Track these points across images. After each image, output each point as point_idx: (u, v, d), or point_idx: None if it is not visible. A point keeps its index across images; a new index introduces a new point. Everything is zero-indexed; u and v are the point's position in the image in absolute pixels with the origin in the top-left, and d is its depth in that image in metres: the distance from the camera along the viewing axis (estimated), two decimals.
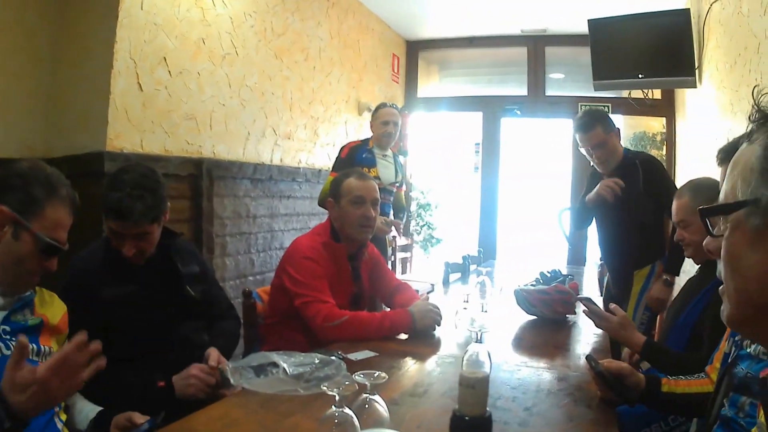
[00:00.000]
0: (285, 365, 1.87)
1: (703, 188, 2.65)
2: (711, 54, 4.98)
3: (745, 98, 3.89)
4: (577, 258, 7.10)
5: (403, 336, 2.69)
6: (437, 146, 9.68)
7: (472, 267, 4.92)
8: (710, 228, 0.98)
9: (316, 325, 2.58)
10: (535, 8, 6.65)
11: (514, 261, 7.88)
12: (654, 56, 5.55)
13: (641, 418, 2.37)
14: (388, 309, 3.12)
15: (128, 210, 2.14)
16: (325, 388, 1.38)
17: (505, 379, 2.19)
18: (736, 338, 1.86)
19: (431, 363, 2.38)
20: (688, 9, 5.39)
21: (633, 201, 3.69)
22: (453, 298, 3.79)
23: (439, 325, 2.78)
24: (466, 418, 1.53)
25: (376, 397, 1.52)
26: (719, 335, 2.14)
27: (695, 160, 5.76)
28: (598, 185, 3.80)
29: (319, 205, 4.70)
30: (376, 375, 1.50)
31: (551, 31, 7.21)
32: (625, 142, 7.16)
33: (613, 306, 2.62)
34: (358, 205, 2.85)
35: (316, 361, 1.93)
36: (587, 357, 2.03)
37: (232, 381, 1.93)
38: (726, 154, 1.81)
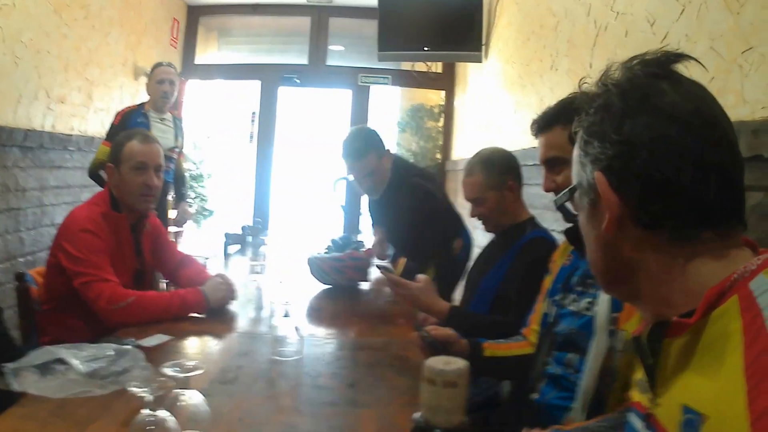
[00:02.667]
0: (76, 361, 1.51)
1: (495, 162, 2.64)
2: (502, 30, 5.18)
3: (536, 72, 4.09)
4: (353, 226, 7.10)
5: (196, 315, 2.40)
6: (212, 116, 9.25)
7: (250, 239, 4.72)
8: (571, 211, 1.08)
9: (100, 308, 2.22)
10: None
11: (291, 231, 7.75)
12: (442, 30, 5.65)
13: None
14: (173, 286, 2.82)
15: None
16: (134, 389, 1.11)
17: (319, 354, 2.03)
18: (556, 298, 1.86)
19: (232, 342, 2.16)
20: None
21: (401, 226, 3.56)
22: (237, 270, 3.53)
23: (234, 299, 2.53)
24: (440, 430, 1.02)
25: (192, 392, 1.27)
26: (530, 297, 2.14)
27: (473, 131, 5.98)
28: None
29: (90, 176, 4.23)
30: (191, 365, 1.25)
31: (337, 2, 7.10)
32: (403, 113, 7.30)
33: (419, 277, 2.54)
34: (139, 171, 2.50)
35: (110, 353, 1.60)
36: (416, 327, 1.92)
37: (15, 386, 1.51)
38: (539, 127, 1.92)
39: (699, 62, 0.93)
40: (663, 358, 0.88)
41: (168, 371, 1.23)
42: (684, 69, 0.92)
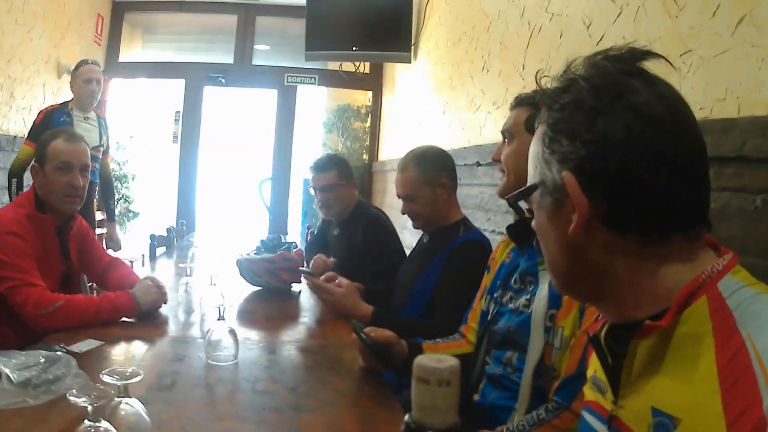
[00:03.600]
0: (6, 370, 1.43)
1: (430, 159, 2.67)
2: (432, 31, 5.19)
3: (467, 74, 4.12)
4: (279, 228, 7.04)
5: (127, 319, 2.32)
6: (136, 115, 8.99)
7: (175, 240, 4.64)
8: (525, 209, 1.08)
9: (27, 313, 2.12)
10: None
11: (217, 232, 7.62)
12: (370, 30, 5.64)
13: (396, 384, 2.30)
14: (102, 290, 2.72)
15: None
16: (74, 398, 1.06)
17: (256, 357, 1.99)
18: (495, 295, 1.87)
19: (166, 347, 2.09)
20: None
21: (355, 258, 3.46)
22: (164, 272, 3.45)
23: (165, 302, 2.46)
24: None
25: (132, 401, 1.23)
26: (464, 299, 2.15)
27: (401, 132, 6.00)
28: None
29: (10, 177, 4.05)
30: (128, 372, 1.20)
31: (265, 0, 6.99)
32: (329, 114, 7.26)
33: (338, 280, 2.54)
34: (63, 171, 2.40)
35: (41, 360, 1.52)
36: (354, 328, 1.90)
37: None
38: (517, 101, 1.89)
39: (667, 60, 0.91)
40: (629, 359, 0.87)
41: (106, 379, 1.18)
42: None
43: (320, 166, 3.59)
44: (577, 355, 1.44)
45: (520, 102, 1.86)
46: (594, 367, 1.00)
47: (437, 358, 0.87)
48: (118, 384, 1.19)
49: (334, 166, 3.59)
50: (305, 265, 3.30)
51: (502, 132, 1.88)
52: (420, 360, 0.86)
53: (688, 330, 0.79)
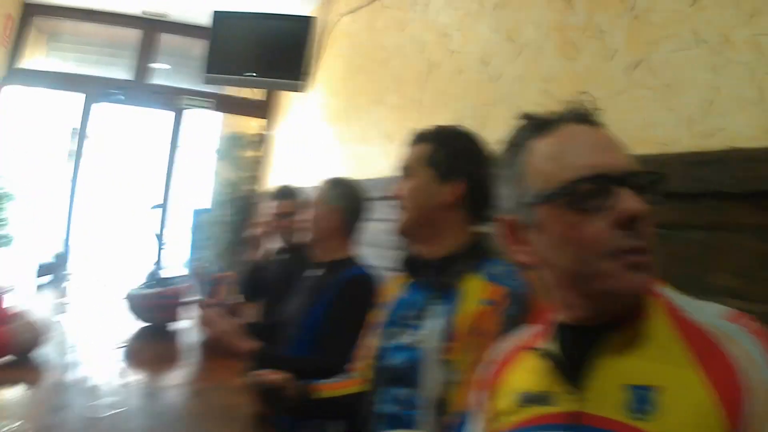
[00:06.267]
0: None
1: (342, 185, 2.70)
2: (329, 62, 5.20)
3: (362, 106, 4.16)
4: (168, 259, 6.81)
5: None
6: (25, 129, 8.42)
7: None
8: None
9: None
10: None
11: (105, 259, 7.34)
12: (270, 58, 5.61)
13: (289, 427, 2.27)
14: None
15: None
16: None
17: (142, 405, 1.91)
18: (386, 331, 1.87)
19: (45, 393, 1.98)
20: (315, 17, 5.55)
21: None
22: (45, 305, 3.27)
23: (45, 342, 2.34)
24: None
25: None
26: (355, 330, 2.14)
27: (292, 162, 5.96)
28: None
29: None
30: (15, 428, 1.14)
31: (172, 17, 6.81)
32: (222, 141, 7.10)
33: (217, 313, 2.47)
34: None
35: None
36: (247, 372, 1.85)
37: None
38: (418, 137, 1.87)
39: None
40: (600, 353, 0.98)
41: None
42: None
43: (281, 194, 3.56)
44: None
45: (421, 138, 1.87)
46: (524, 384, 1.08)
47: None
48: None
49: (293, 194, 3.55)
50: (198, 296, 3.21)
51: (402, 169, 1.88)
52: None
53: (652, 322, 0.96)
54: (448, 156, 1.80)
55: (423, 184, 1.79)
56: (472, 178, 1.79)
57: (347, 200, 2.67)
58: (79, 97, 6.92)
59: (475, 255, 1.74)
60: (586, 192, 0.97)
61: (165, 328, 2.99)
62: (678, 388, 0.90)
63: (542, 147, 1.06)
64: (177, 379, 2.26)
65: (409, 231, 1.81)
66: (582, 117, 1.10)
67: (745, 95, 1.50)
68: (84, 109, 6.91)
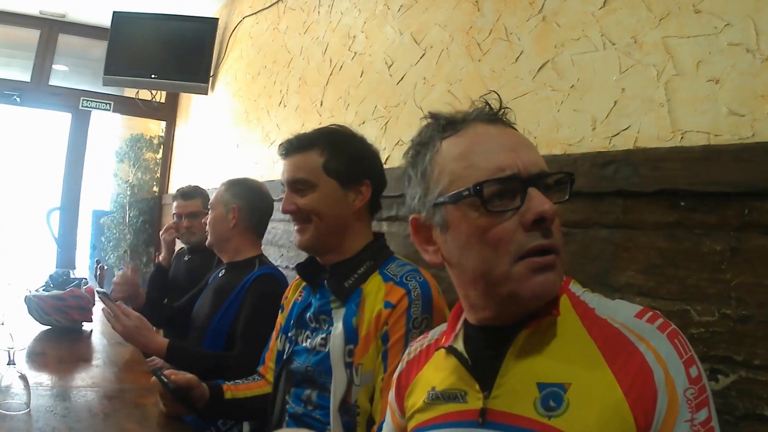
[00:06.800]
0: None
1: (238, 184, 2.76)
2: (231, 64, 5.18)
3: (264, 108, 4.17)
4: (67, 261, 6.59)
5: None
6: None
7: None
8: None
9: None
10: None
11: (4, 261, 7.02)
12: (172, 59, 5.52)
13: (198, 427, 2.23)
14: None
15: None
16: None
17: (50, 406, 1.85)
18: (289, 334, 1.88)
19: None
20: (217, 19, 5.50)
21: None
22: None
23: None
24: None
25: None
26: (262, 333, 2.14)
27: (193, 165, 5.89)
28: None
29: None
30: None
31: (71, 17, 6.55)
32: (122, 143, 6.91)
33: (124, 308, 2.41)
34: None
35: None
36: (155, 373, 1.83)
37: None
38: (295, 148, 1.83)
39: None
40: (512, 349, 1.01)
41: None
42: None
43: (186, 194, 3.65)
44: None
45: (305, 145, 1.80)
46: (435, 382, 1.11)
47: None
48: None
49: (199, 195, 3.66)
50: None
51: (296, 182, 1.80)
52: None
53: (563, 321, 1.00)
54: (349, 162, 1.78)
55: (328, 196, 1.76)
56: (374, 180, 1.80)
57: (244, 200, 2.67)
58: None
59: (377, 256, 1.76)
60: (494, 193, 0.97)
61: (68, 330, 2.92)
62: (587, 386, 0.92)
63: (450, 147, 1.05)
64: (85, 380, 2.19)
65: (317, 245, 1.81)
66: (490, 117, 1.08)
67: (652, 96, 1.56)
68: None
